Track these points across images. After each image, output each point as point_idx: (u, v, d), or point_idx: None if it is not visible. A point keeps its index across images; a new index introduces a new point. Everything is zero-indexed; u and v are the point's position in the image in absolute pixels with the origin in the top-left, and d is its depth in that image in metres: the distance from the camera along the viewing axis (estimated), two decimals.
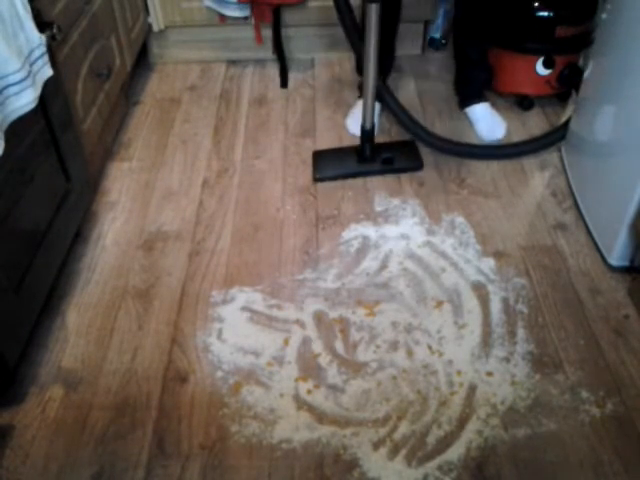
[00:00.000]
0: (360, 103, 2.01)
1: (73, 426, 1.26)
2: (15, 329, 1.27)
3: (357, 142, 1.92)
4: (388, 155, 1.89)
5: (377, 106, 2.03)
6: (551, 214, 1.73)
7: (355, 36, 1.86)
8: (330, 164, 1.90)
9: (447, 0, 2.36)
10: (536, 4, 1.93)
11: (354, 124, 2.01)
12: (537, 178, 1.86)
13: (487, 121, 2.04)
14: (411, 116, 1.92)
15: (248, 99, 2.24)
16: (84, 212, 1.66)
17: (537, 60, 2.00)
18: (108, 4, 1.91)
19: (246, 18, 2.27)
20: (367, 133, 1.87)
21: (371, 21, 1.62)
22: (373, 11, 1.60)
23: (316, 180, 1.85)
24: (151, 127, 2.11)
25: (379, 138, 1.95)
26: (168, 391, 1.31)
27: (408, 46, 2.36)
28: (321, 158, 1.93)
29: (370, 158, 1.89)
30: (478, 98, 2.07)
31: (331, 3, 2.26)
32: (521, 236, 1.66)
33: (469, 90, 2.09)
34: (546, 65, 2.00)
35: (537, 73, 2.03)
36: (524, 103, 2.12)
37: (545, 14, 1.93)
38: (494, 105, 2.12)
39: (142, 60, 2.40)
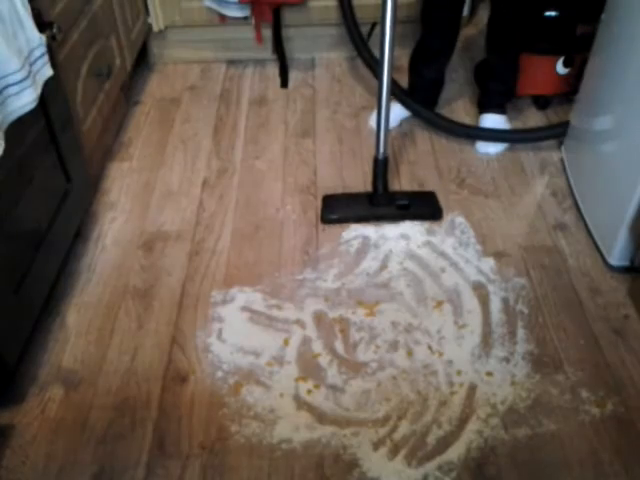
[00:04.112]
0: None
1: (73, 426, 1.26)
2: (15, 329, 1.27)
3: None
4: (404, 201, 1.72)
5: (398, 108, 2.01)
6: (551, 214, 1.73)
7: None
8: (340, 206, 1.75)
9: None
10: (557, 4, 1.94)
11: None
12: (537, 178, 1.86)
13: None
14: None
15: (248, 99, 2.24)
16: (84, 212, 1.67)
17: (558, 60, 2.00)
18: (108, 4, 1.91)
19: (246, 18, 2.27)
20: (380, 164, 1.70)
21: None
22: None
23: (324, 222, 1.70)
24: (151, 127, 2.11)
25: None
26: (168, 391, 1.31)
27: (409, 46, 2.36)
28: (331, 201, 1.77)
29: (383, 200, 1.73)
30: (494, 108, 2.04)
31: (332, 3, 2.28)
32: (521, 236, 1.66)
33: (486, 98, 2.07)
34: (566, 64, 2.00)
35: (557, 73, 2.03)
36: (540, 102, 2.13)
37: (566, 13, 1.94)
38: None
39: (142, 60, 2.40)
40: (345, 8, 2.18)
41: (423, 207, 1.73)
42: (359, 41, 2.18)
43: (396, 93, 1.94)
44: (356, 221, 1.70)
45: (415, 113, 2.03)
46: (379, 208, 1.72)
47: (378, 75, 1.59)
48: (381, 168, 1.70)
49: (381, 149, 1.67)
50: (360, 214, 1.71)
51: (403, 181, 1.85)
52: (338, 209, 1.73)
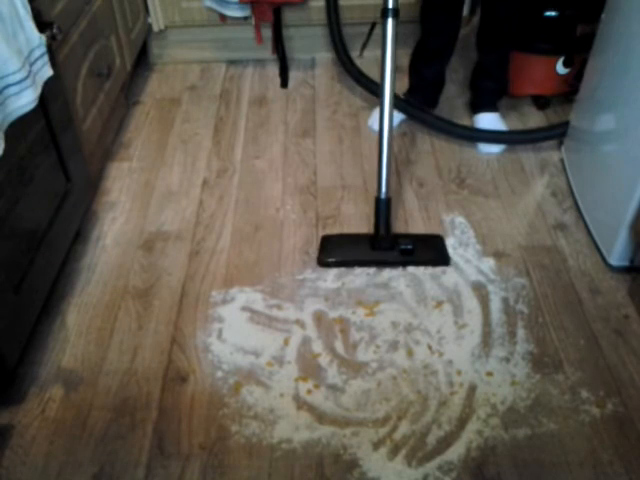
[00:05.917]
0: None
1: (73, 426, 1.26)
2: (15, 329, 1.27)
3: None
4: (408, 246, 1.59)
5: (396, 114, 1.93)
6: (551, 214, 1.73)
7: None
8: (339, 249, 1.63)
9: None
10: (557, 4, 1.94)
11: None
12: (537, 178, 1.86)
13: None
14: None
15: (248, 99, 2.24)
16: (84, 212, 1.66)
17: (558, 60, 2.00)
18: (108, 4, 1.91)
19: (246, 18, 2.27)
20: (382, 205, 1.58)
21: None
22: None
23: (321, 264, 1.59)
24: (151, 127, 2.11)
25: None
26: (168, 391, 1.31)
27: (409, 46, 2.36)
28: (329, 242, 1.65)
29: (386, 244, 1.60)
30: (487, 107, 2.04)
31: None
32: (521, 236, 1.66)
33: (479, 98, 2.07)
34: (566, 64, 2.00)
35: (557, 73, 2.03)
36: (540, 102, 2.13)
37: (566, 13, 1.94)
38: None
39: (142, 60, 2.40)
40: (330, 11, 2.19)
41: (428, 252, 1.61)
42: (339, 45, 2.20)
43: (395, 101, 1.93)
44: (355, 266, 1.59)
45: (415, 118, 2.02)
46: (381, 252, 1.60)
47: (380, 124, 1.56)
48: (383, 209, 1.58)
49: (383, 188, 1.57)
50: (360, 258, 1.59)
51: (403, 181, 1.85)
52: (337, 252, 1.62)
